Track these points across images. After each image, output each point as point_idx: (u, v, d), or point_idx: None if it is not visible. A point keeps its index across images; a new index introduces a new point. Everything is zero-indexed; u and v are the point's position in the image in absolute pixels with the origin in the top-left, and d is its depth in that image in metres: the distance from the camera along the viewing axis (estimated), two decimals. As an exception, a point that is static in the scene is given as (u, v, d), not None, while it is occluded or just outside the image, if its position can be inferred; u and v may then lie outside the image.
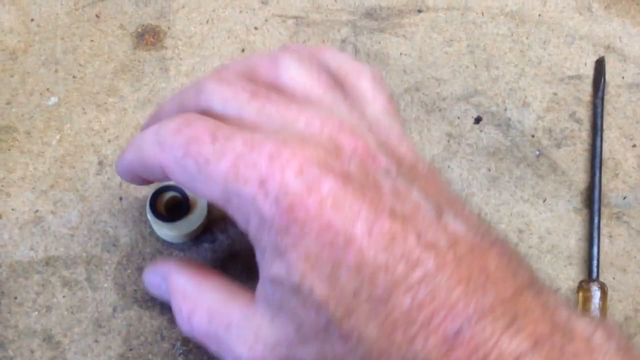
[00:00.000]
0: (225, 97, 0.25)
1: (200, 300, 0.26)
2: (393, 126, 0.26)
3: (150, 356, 0.32)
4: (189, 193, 0.33)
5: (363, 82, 0.27)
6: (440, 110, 0.38)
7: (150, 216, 0.33)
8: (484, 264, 0.22)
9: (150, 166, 0.26)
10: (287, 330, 0.23)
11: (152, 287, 0.30)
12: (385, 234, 0.21)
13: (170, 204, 0.34)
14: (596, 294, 0.33)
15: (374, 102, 0.27)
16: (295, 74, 0.26)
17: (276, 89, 0.26)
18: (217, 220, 0.35)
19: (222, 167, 0.23)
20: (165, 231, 0.33)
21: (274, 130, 0.24)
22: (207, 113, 0.25)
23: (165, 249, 0.34)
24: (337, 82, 0.27)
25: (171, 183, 0.33)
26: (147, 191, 0.35)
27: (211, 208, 0.34)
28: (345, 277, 0.21)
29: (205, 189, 0.24)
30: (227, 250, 0.34)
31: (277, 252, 0.22)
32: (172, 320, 0.33)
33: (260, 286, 0.24)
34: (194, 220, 0.33)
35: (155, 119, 0.29)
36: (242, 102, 0.25)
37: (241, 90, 0.25)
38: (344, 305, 0.21)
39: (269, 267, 0.23)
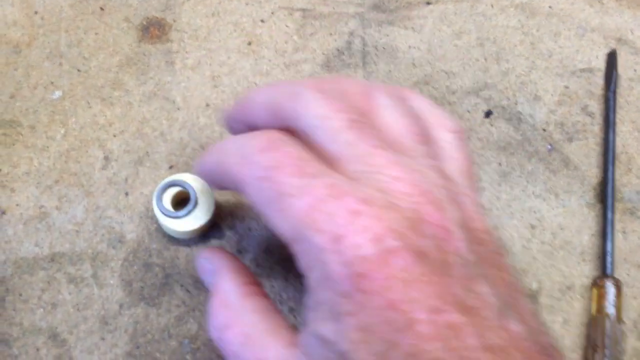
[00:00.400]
0: (323, 114, 0.24)
1: (239, 317, 0.25)
2: (469, 191, 0.25)
3: (157, 354, 0.32)
4: (196, 188, 0.32)
5: (446, 135, 0.26)
6: (450, 104, 0.38)
7: (157, 212, 0.32)
8: None
9: (228, 175, 0.25)
10: None
11: (200, 271, 0.29)
12: (447, 327, 0.20)
13: (178, 200, 0.33)
14: (611, 290, 0.33)
15: (454, 159, 0.26)
16: (391, 116, 0.25)
17: (370, 124, 0.24)
18: (225, 216, 0.34)
19: (299, 206, 0.22)
20: (173, 227, 0.32)
21: (360, 173, 0.23)
22: (297, 124, 0.24)
23: (172, 245, 0.33)
24: (426, 135, 0.26)
25: (178, 178, 0.32)
26: (152, 187, 0.34)
27: (219, 204, 0.33)
28: None
29: (275, 220, 0.23)
30: (235, 246, 0.34)
31: (334, 313, 0.21)
32: (179, 318, 0.32)
33: (304, 336, 0.23)
34: (202, 216, 0.32)
35: (242, 109, 0.28)
36: (338, 128, 0.24)
37: (342, 112, 0.24)
38: None
39: (321, 323, 0.22)
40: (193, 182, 0.32)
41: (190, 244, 0.34)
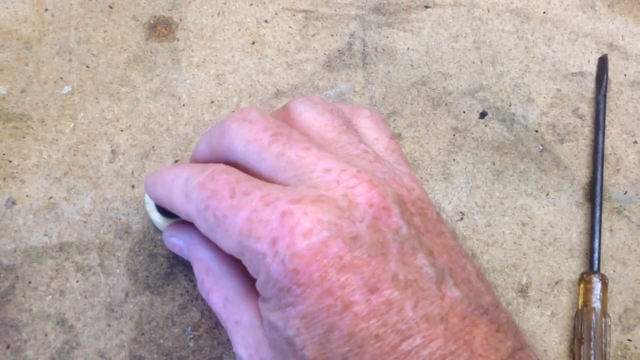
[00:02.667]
0: (247, 138, 0.26)
1: (219, 282, 0.28)
2: (400, 164, 0.27)
3: (161, 341, 0.33)
4: None
5: (364, 121, 0.28)
6: (446, 104, 0.39)
7: (154, 212, 0.33)
8: (471, 338, 0.23)
9: (177, 209, 0.27)
10: None
11: (172, 248, 0.31)
12: (382, 303, 0.22)
13: None
14: (597, 286, 0.34)
15: (377, 141, 0.28)
16: (310, 117, 0.27)
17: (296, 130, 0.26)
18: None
19: (237, 222, 0.24)
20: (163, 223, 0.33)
21: (293, 178, 0.24)
22: (232, 157, 0.27)
23: (177, 236, 0.35)
24: (347, 125, 0.27)
25: None
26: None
27: None
28: (336, 342, 0.22)
29: (222, 242, 0.25)
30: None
31: (278, 305, 0.23)
32: (183, 306, 0.33)
33: (263, 316, 0.25)
34: None
35: (192, 160, 0.30)
36: (263, 145, 0.26)
37: (262, 131, 0.26)
38: None
39: (268, 313, 0.24)
40: None
41: None
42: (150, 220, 0.35)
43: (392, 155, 0.27)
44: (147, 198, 0.33)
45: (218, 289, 0.27)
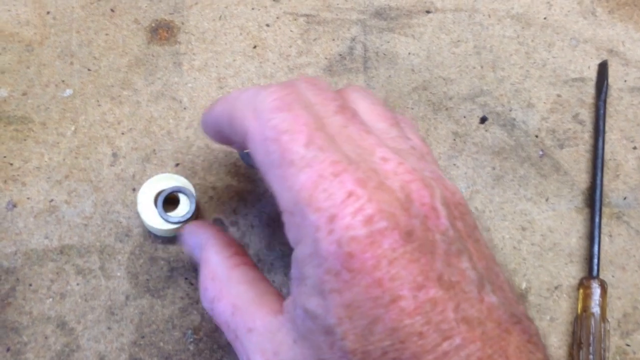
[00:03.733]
0: (314, 101, 0.25)
1: (227, 289, 0.27)
2: (437, 167, 0.27)
3: (161, 344, 0.33)
4: (183, 188, 0.34)
5: (402, 123, 0.28)
6: (446, 109, 0.39)
7: (148, 215, 0.33)
8: (506, 345, 0.22)
9: (236, 127, 0.25)
10: (307, 359, 0.23)
11: (186, 246, 0.30)
12: (428, 301, 0.22)
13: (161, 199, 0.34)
14: (596, 291, 0.34)
15: (414, 141, 0.27)
16: (364, 104, 0.27)
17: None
18: (228, 214, 0.35)
19: (301, 179, 0.23)
20: (160, 227, 0.33)
21: (355, 154, 0.24)
22: None
23: (175, 239, 0.35)
24: (395, 119, 0.27)
25: (171, 183, 0.34)
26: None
27: (199, 202, 0.35)
28: (379, 335, 0.22)
29: (276, 186, 0.24)
30: (238, 241, 0.35)
31: (320, 289, 0.22)
32: (183, 309, 0.33)
33: (290, 306, 0.24)
34: (187, 214, 0.34)
35: (214, 113, 0.28)
36: (329, 112, 0.25)
37: (331, 100, 0.25)
38: None
39: (306, 298, 0.23)
40: (177, 183, 0.34)
41: (175, 240, 0.35)
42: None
43: (427, 158, 0.27)
44: (139, 199, 0.34)
45: (225, 296, 0.26)
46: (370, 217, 0.22)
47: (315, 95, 0.25)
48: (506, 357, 0.22)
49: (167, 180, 0.34)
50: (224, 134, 0.27)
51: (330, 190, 0.22)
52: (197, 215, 0.35)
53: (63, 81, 0.38)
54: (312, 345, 0.23)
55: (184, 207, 0.34)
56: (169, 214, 0.34)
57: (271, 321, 0.25)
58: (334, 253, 0.22)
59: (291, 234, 0.24)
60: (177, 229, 0.33)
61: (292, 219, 0.23)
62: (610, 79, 0.40)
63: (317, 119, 0.24)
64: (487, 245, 0.25)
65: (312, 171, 0.23)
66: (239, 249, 0.29)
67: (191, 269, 0.34)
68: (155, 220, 0.33)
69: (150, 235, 0.35)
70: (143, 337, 0.33)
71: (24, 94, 0.37)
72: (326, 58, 0.40)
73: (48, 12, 0.39)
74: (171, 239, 0.35)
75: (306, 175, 0.23)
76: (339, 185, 0.22)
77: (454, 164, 0.38)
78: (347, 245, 0.22)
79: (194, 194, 0.34)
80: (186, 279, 0.34)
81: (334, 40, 0.40)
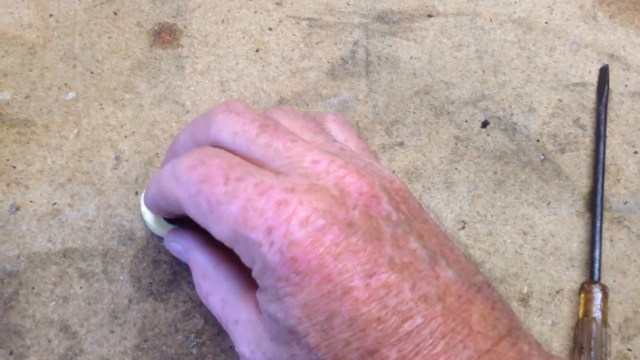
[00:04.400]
0: (235, 130, 0.26)
1: (216, 285, 0.28)
2: (374, 161, 0.27)
3: (164, 347, 0.33)
4: None
5: (331, 125, 0.29)
6: (448, 113, 0.39)
7: (152, 218, 0.33)
8: (468, 316, 0.23)
9: (168, 199, 0.27)
10: (282, 354, 0.24)
11: (173, 252, 0.32)
12: (381, 286, 0.22)
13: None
14: (597, 295, 0.35)
15: (347, 141, 0.29)
16: (285, 120, 0.28)
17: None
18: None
19: (232, 211, 0.24)
20: (162, 230, 0.34)
21: (284, 167, 0.25)
22: (217, 146, 0.26)
23: (180, 243, 0.35)
24: (320, 128, 0.28)
25: None
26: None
27: None
28: (338, 328, 0.22)
29: (215, 229, 0.25)
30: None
31: (276, 295, 0.23)
32: (186, 313, 0.33)
33: (262, 309, 0.25)
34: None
35: (171, 152, 0.30)
36: (251, 136, 0.26)
37: (250, 123, 0.26)
38: (333, 352, 0.23)
39: (267, 304, 0.24)
40: None
41: None
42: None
43: (364, 153, 0.28)
44: (142, 199, 0.34)
45: (216, 292, 0.28)
46: (305, 218, 0.23)
47: (236, 122, 0.26)
48: (469, 327, 0.23)
49: None
50: (165, 208, 0.28)
51: (260, 207, 0.23)
52: None
53: (66, 84, 0.38)
54: (283, 343, 0.24)
55: None
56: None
57: (252, 316, 0.26)
58: (279, 262, 0.23)
59: (245, 259, 0.25)
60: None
61: (238, 247, 0.24)
62: (611, 84, 0.40)
63: (231, 158, 0.25)
64: (436, 224, 0.26)
65: (238, 200, 0.24)
66: (220, 246, 0.30)
67: (194, 273, 0.34)
68: (158, 221, 0.34)
69: (154, 239, 0.35)
70: (146, 340, 0.33)
71: (27, 96, 0.37)
72: (328, 62, 0.40)
73: (51, 15, 0.39)
74: (174, 242, 0.35)
75: (235, 206, 0.24)
76: (266, 200, 0.23)
77: (456, 169, 0.38)
78: (289, 251, 0.22)
79: None
80: (189, 282, 0.34)
81: (336, 44, 0.40)
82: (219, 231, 0.25)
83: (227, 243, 0.25)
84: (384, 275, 0.22)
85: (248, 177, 0.24)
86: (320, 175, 0.24)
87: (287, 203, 0.23)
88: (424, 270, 0.23)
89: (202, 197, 0.25)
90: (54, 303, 0.33)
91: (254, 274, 0.24)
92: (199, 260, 0.29)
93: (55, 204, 0.35)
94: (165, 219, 0.32)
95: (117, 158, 0.36)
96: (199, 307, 0.34)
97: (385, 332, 0.22)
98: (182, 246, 0.30)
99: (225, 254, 0.29)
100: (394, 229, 0.24)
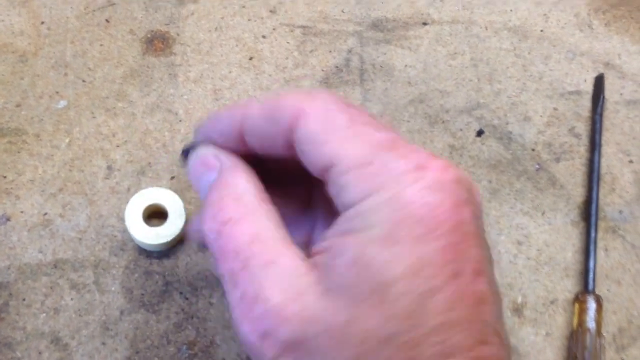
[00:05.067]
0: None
1: (252, 216, 0.23)
2: None
3: (156, 359, 0.33)
4: (169, 201, 0.34)
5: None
6: (443, 122, 0.39)
7: (135, 227, 0.33)
8: None
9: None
10: (338, 313, 0.20)
11: (200, 166, 0.25)
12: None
13: (149, 213, 0.34)
14: (592, 305, 0.34)
15: None
16: None
17: None
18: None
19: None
20: (147, 241, 0.33)
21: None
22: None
23: (172, 254, 0.35)
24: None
25: (155, 195, 0.34)
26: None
27: (188, 217, 0.34)
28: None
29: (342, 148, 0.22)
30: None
31: (395, 238, 0.20)
32: (178, 324, 0.33)
33: (328, 257, 0.21)
34: (176, 228, 0.33)
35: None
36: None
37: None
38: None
39: (369, 247, 0.20)
40: (165, 197, 0.34)
41: (170, 254, 0.35)
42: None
43: None
44: (127, 212, 0.33)
45: (247, 222, 0.22)
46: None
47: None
48: None
49: (155, 195, 0.34)
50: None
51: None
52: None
53: (57, 92, 0.37)
54: (350, 299, 0.20)
55: (172, 221, 0.34)
56: (156, 227, 0.33)
57: (298, 262, 0.21)
58: (420, 202, 0.20)
59: (359, 187, 0.21)
60: (165, 243, 0.33)
61: (366, 169, 0.21)
62: (607, 92, 0.40)
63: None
64: None
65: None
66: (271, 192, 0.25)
67: (186, 283, 0.34)
68: (144, 234, 0.33)
69: (145, 250, 0.34)
70: (138, 352, 0.33)
71: (18, 105, 0.37)
72: (322, 70, 0.40)
73: (42, 23, 0.39)
74: (166, 252, 0.34)
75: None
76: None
77: (451, 177, 0.38)
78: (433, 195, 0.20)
79: (182, 206, 0.34)
80: (181, 293, 0.34)
81: (330, 52, 0.40)
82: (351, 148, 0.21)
83: (350, 162, 0.21)
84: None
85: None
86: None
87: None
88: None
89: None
90: (44, 315, 0.33)
91: (364, 208, 0.20)
92: (240, 183, 0.23)
93: (46, 214, 0.35)
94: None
95: (109, 167, 0.36)
96: (191, 318, 0.33)
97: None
98: (220, 161, 0.25)
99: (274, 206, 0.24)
100: None
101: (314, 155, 0.22)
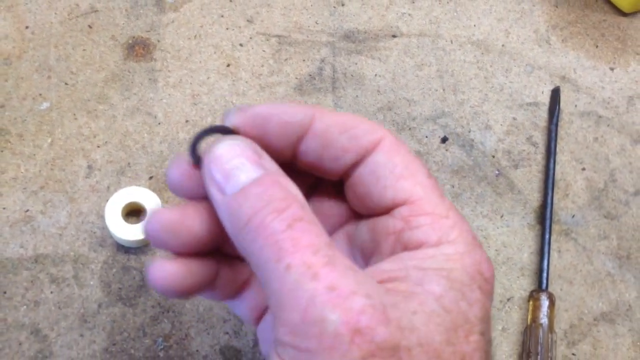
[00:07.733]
0: None
1: (292, 201, 0.21)
2: None
3: (132, 351, 0.34)
4: (148, 200, 0.36)
5: None
6: (410, 129, 0.41)
7: (115, 224, 0.35)
8: None
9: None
10: (408, 300, 0.21)
11: (225, 159, 0.22)
12: None
13: (128, 211, 0.36)
14: (545, 303, 0.37)
15: None
16: None
17: None
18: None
19: None
20: (126, 237, 0.35)
21: None
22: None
23: (149, 250, 0.36)
24: None
25: (136, 194, 0.36)
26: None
27: None
28: None
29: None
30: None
31: None
32: (154, 318, 0.35)
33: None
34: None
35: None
36: None
37: None
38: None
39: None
40: (143, 195, 0.36)
41: (147, 250, 0.36)
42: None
43: None
44: (106, 209, 0.35)
45: (318, 226, 0.21)
46: None
47: None
48: None
49: (134, 194, 0.36)
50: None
51: None
52: None
53: (40, 94, 0.39)
54: (443, 326, 0.20)
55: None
56: (134, 225, 0.35)
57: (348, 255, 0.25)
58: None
59: (435, 233, 0.23)
60: (143, 240, 0.35)
61: (443, 222, 0.24)
62: (562, 104, 0.43)
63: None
64: None
65: None
66: None
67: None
68: (123, 231, 0.35)
69: (124, 246, 0.36)
70: (115, 344, 0.34)
71: (2, 106, 0.38)
72: (296, 78, 0.42)
73: (27, 27, 0.40)
74: (143, 249, 0.36)
75: None
76: None
77: (416, 182, 0.40)
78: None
79: (159, 204, 0.36)
80: (158, 288, 0.35)
81: (304, 60, 0.42)
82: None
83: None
84: None
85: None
86: None
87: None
88: None
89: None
90: (25, 307, 0.34)
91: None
92: (295, 190, 0.22)
93: (27, 210, 0.36)
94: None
95: (89, 167, 0.37)
96: (167, 312, 0.35)
97: None
98: (263, 159, 0.22)
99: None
100: None
101: (383, 186, 0.23)
